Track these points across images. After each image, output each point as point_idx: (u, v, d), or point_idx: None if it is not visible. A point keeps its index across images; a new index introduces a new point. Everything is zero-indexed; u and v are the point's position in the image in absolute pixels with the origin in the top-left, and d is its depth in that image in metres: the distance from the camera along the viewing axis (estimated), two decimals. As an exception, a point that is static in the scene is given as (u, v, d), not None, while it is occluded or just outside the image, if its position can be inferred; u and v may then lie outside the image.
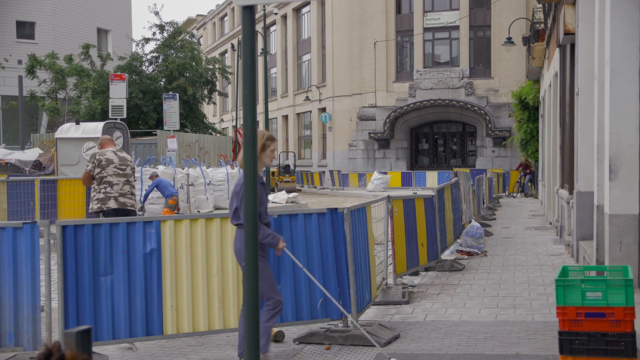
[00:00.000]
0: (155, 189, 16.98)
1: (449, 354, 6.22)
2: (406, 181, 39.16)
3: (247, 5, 4.27)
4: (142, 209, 17.00)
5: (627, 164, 7.25)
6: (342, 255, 6.74)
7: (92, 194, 9.15)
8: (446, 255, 11.90)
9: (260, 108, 38.86)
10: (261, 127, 51.04)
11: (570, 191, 12.48)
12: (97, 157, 9.15)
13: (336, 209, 6.82)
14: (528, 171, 31.41)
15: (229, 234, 6.41)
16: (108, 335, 6.05)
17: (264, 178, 6.75)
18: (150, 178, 17.53)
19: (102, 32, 41.80)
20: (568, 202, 12.52)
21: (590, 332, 4.77)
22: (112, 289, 6.07)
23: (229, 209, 5.86)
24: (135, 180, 9.53)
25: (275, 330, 6.78)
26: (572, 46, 12.26)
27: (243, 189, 4.38)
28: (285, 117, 55.61)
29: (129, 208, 9.12)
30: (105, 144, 9.48)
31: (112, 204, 9.00)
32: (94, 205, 9.06)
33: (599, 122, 8.42)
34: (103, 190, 9.02)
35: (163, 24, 33.95)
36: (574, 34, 11.49)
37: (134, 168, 9.47)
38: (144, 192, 19.94)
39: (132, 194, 9.29)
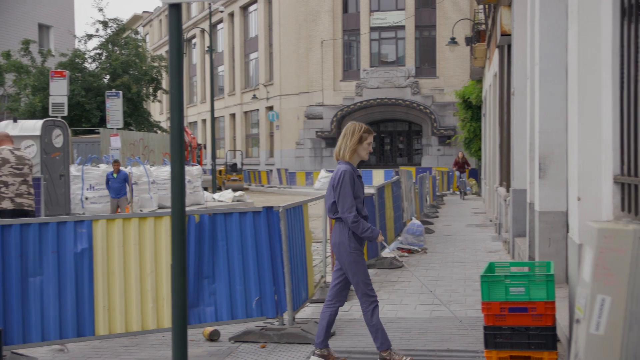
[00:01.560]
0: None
1: (382, 350, 6.29)
2: (353, 179, 39.32)
3: (174, 3, 4.27)
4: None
5: (556, 162, 7.46)
6: (277, 254, 6.76)
7: None
8: (386, 252, 12.02)
9: (206, 106, 38.54)
10: (208, 125, 50.70)
11: (508, 189, 12.75)
12: None
13: (272, 207, 6.83)
14: (463, 169, 29.46)
15: (162, 233, 6.37)
16: (37, 337, 5.95)
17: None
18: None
19: (43, 28, 40.83)
20: (505, 200, 12.79)
21: (514, 327, 4.89)
22: (42, 290, 5.97)
23: (325, 203, 5.86)
24: (31, 180, 9.16)
25: (210, 329, 6.77)
26: (509, 47, 12.52)
27: (170, 183, 4.37)
28: (233, 116, 55.34)
29: (25, 208, 8.88)
30: (2, 142, 9.12)
31: (6, 205, 8.76)
32: None
33: (531, 122, 8.63)
34: None
35: (107, 20, 33.41)
36: (510, 35, 11.74)
37: (31, 167, 9.18)
38: (83, 193, 19.64)
39: (30, 193, 9.01)
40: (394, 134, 46.85)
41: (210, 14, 34.92)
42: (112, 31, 33.51)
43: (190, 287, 6.42)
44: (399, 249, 12.63)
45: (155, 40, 69.58)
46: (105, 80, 32.85)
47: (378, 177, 37.23)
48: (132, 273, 6.28)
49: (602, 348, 2.43)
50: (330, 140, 44.81)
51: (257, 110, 51.52)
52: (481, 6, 21.83)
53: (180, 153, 4.29)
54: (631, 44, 3.98)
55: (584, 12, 4.63)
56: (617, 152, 4.26)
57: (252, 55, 52.76)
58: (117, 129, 25.41)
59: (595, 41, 4.53)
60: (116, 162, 17.09)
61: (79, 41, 34.64)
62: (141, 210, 19.73)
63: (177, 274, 4.30)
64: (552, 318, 4.85)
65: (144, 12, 77.17)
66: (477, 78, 27.79)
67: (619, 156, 4.23)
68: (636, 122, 3.98)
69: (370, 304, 5.64)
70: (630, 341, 2.42)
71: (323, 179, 35.47)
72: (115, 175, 16.96)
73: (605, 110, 4.41)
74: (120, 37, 33.78)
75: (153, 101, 37.25)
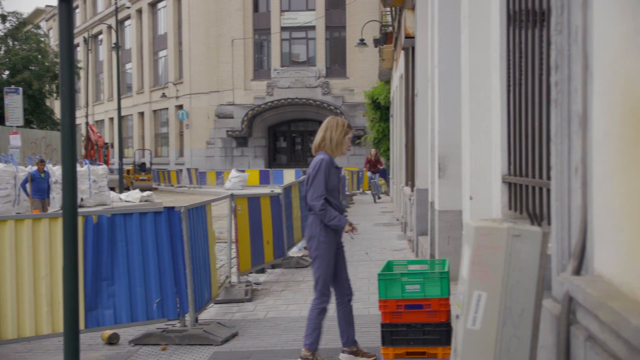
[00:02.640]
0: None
1: (284, 350, 6.32)
2: (264, 179, 39.38)
3: (64, -2, 4.15)
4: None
5: (454, 162, 7.68)
6: (179, 255, 6.68)
7: None
8: (294, 252, 12.07)
9: (114, 104, 37.60)
10: (115, 123, 49.49)
11: (412, 188, 13.02)
12: None
13: (173, 207, 6.74)
14: (376, 169, 27.44)
15: (58, 235, 6.18)
16: None
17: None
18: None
19: (-62, 21, 38.91)
20: (410, 199, 13.06)
21: (410, 323, 5.00)
22: None
23: (304, 196, 5.66)
24: None
25: (109, 332, 6.62)
26: (414, 49, 12.79)
27: (62, 183, 4.25)
28: (141, 114, 54.23)
29: None
30: None
31: None
32: None
33: (431, 123, 8.86)
34: None
35: (5, 13, 32.13)
36: (413, 37, 12.00)
37: None
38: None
39: None
40: (305, 133, 47.06)
41: (117, 10, 34.11)
42: (11, 25, 32.25)
43: (88, 290, 6.26)
44: (305, 248, 12.70)
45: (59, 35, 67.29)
46: (4, 76, 31.58)
47: (289, 176, 37.30)
48: (25, 276, 6.06)
49: (478, 342, 2.52)
50: (241, 140, 44.61)
51: (167, 109, 50.69)
52: (389, 8, 22.22)
53: (72, 151, 4.18)
54: (517, 49, 4.15)
55: (475, 17, 4.79)
56: (505, 152, 4.42)
57: (161, 53, 51.86)
58: (17, 126, 24.47)
59: (485, 46, 4.69)
60: (42, 162, 16.47)
61: (-24, 35, 33.24)
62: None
63: (69, 276, 4.19)
64: (446, 314, 4.98)
65: (46, 6, 74.46)
66: (386, 79, 28.28)
67: (507, 157, 4.40)
68: (522, 124, 4.14)
69: (321, 302, 5.51)
70: (504, 335, 2.52)
71: (234, 178, 35.24)
72: (42, 175, 16.33)
73: (495, 112, 4.58)
74: (21, 31, 32.56)
75: (56, 98, 36.10)
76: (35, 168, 17.20)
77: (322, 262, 5.48)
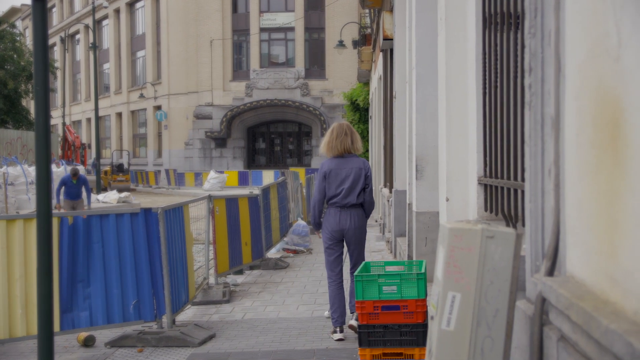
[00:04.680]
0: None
1: (262, 351, 6.31)
2: (243, 180, 39.29)
3: (39, -3, 4.11)
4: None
5: (431, 164, 7.71)
6: (156, 256, 6.64)
7: None
8: (272, 253, 12.05)
9: (91, 105, 37.30)
10: (93, 124, 49.10)
11: (391, 190, 13.06)
12: None
13: (150, 209, 6.70)
14: None
15: (32, 236, 6.11)
16: None
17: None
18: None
19: None
20: (388, 201, 13.10)
21: (387, 325, 5.02)
22: None
23: (351, 194, 6.51)
24: None
25: (85, 334, 6.57)
26: (392, 51, 12.84)
27: (36, 184, 4.22)
28: (119, 115, 53.86)
29: None
30: None
31: None
32: None
33: (409, 124, 8.89)
34: None
35: (-19, 12, 31.79)
36: (392, 39, 12.04)
37: None
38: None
39: None
40: (284, 134, 47.03)
41: (94, 9, 33.84)
42: (-14, 24, 31.93)
43: (64, 292, 6.21)
44: (284, 249, 12.69)
45: (36, 35, 66.65)
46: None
47: (268, 177, 37.25)
48: None
49: (453, 343, 2.54)
50: (220, 141, 44.47)
51: (145, 109, 50.38)
52: (367, 10, 22.28)
53: (46, 152, 4.14)
54: (492, 52, 4.18)
55: (451, 20, 4.82)
56: (481, 154, 4.45)
57: (140, 53, 51.54)
58: (-7, 127, 24.21)
59: (461, 48, 4.72)
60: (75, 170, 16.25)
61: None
62: (18, 212, 18.87)
63: (44, 278, 4.15)
64: (423, 315, 5.00)
65: (22, 4, 73.79)
66: (364, 81, 28.33)
67: (483, 159, 4.43)
68: (497, 126, 4.18)
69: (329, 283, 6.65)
70: (478, 336, 2.54)
71: (212, 179, 35.10)
72: (75, 181, 16.12)
73: (471, 114, 4.61)
74: (-4, 30, 32.23)
75: (32, 98, 35.74)
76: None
77: (325, 252, 6.89)
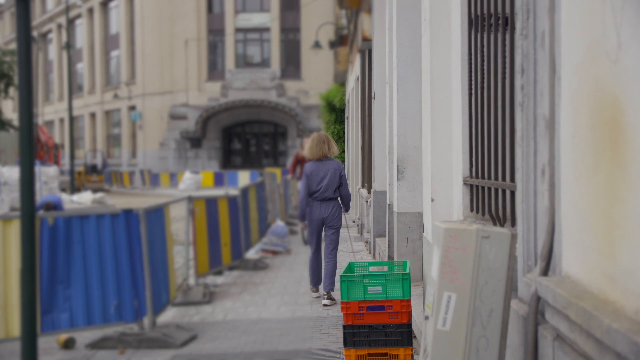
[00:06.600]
0: None
1: (244, 352, 6.28)
2: (218, 181, 39.15)
3: (22, -5, 4.05)
4: None
5: (413, 164, 7.73)
6: (137, 257, 6.59)
7: None
8: (251, 254, 12.02)
9: (64, 104, 36.89)
10: (66, 124, 48.60)
11: (369, 190, 13.08)
12: None
13: (131, 209, 6.65)
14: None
15: (11, 237, 6.04)
16: None
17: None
18: None
19: None
20: (367, 201, 13.12)
21: (372, 325, 5.01)
22: None
23: (328, 188, 8.02)
24: None
25: (65, 336, 6.49)
26: (370, 52, 12.86)
27: (20, 184, 4.16)
28: (93, 115, 53.36)
29: None
30: None
31: None
32: None
33: (389, 125, 8.90)
34: None
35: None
36: (370, 40, 12.06)
37: None
38: None
39: None
40: (259, 135, 46.94)
41: (67, 8, 33.47)
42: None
43: (44, 293, 6.13)
44: (263, 250, 12.66)
45: (6, 34, 65.82)
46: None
47: (244, 178, 37.15)
48: (-22, 280, 5.91)
49: (448, 343, 2.55)
50: (195, 141, 44.25)
51: (119, 109, 49.98)
52: (344, 11, 22.29)
53: (30, 152, 4.09)
54: (478, 52, 4.20)
55: (435, 21, 4.84)
56: (467, 155, 4.47)
57: (114, 53, 51.12)
58: (-36, 127, 23.85)
59: (446, 49, 4.74)
60: None
61: None
62: (-9, 214, 18.61)
63: (27, 280, 4.09)
64: (407, 315, 5.01)
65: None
66: (341, 81, 28.33)
67: (468, 159, 4.45)
68: (484, 127, 4.20)
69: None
70: (473, 336, 2.55)
71: (188, 180, 34.91)
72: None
73: (456, 115, 4.63)
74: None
75: (5, 98, 35.27)
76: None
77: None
